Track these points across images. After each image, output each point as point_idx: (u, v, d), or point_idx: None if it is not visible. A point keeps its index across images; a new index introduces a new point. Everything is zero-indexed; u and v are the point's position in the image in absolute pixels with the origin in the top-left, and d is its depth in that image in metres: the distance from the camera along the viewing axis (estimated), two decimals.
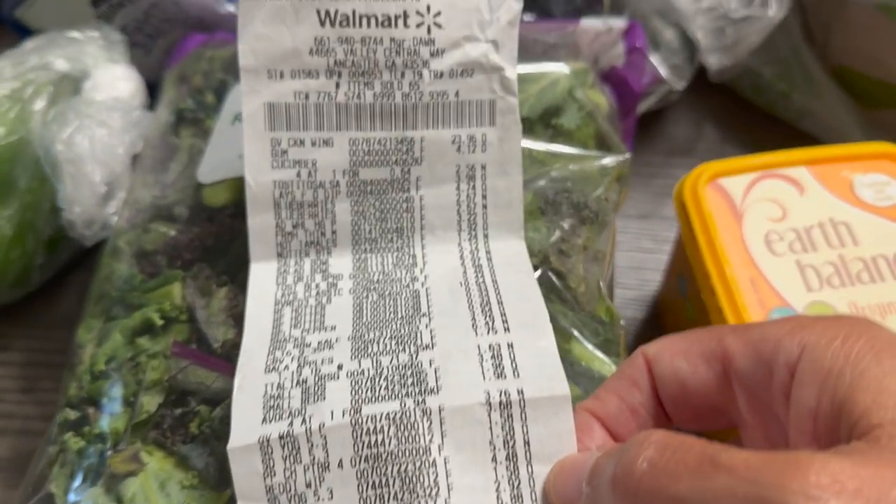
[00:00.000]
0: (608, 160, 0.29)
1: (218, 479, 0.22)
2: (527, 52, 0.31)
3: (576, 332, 0.25)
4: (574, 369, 0.24)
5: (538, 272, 0.25)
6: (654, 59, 0.38)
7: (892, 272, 0.29)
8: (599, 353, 0.25)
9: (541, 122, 0.30)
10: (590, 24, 0.32)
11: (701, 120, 0.43)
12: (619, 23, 0.33)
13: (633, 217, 0.40)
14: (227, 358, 0.23)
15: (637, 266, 0.39)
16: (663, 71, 0.37)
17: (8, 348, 0.36)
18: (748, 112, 0.43)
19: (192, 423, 0.23)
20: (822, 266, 0.29)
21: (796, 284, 0.29)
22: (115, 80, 0.33)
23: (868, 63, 0.39)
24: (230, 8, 0.37)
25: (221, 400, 0.23)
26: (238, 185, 0.27)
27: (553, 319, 0.23)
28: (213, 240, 0.26)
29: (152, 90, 0.36)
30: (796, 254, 0.29)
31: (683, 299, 0.33)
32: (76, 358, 0.26)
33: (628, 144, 0.36)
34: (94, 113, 0.30)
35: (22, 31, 0.39)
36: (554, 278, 0.25)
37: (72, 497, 0.22)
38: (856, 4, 0.37)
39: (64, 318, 0.37)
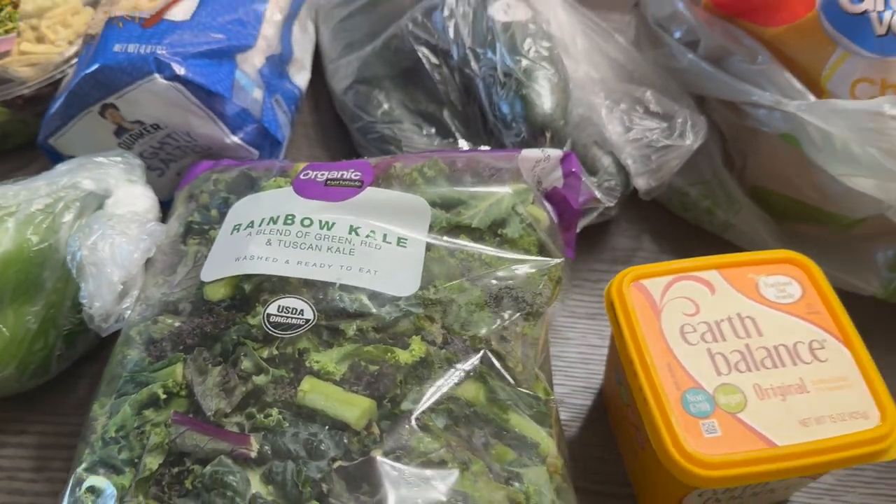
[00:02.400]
0: (545, 264, 0.34)
1: None
2: (478, 175, 0.37)
3: (513, 405, 0.29)
4: (510, 435, 0.28)
5: (480, 353, 0.29)
6: (595, 181, 0.44)
7: (791, 359, 0.33)
8: (534, 424, 0.29)
9: (489, 231, 0.35)
10: (530, 153, 0.37)
11: (640, 233, 0.48)
12: (555, 152, 0.38)
13: (582, 317, 0.45)
14: (218, 424, 0.27)
15: (585, 360, 0.43)
16: (597, 191, 0.42)
17: (24, 432, 0.40)
18: (680, 225, 0.48)
19: (186, 479, 0.26)
20: (731, 354, 0.33)
21: (707, 369, 0.33)
22: (133, 198, 0.38)
23: (779, 183, 0.45)
24: (235, 139, 0.42)
25: (212, 459, 0.26)
26: (234, 282, 0.31)
27: (493, 392, 0.27)
28: (210, 327, 0.30)
29: (165, 207, 0.41)
30: (707, 343, 0.34)
31: (619, 386, 0.37)
32: (89, 430, 0.30)
33: (570, 252, 0.41)
34: (114, 224, 0.35)
35: (55, 157, 0.44)
36: (494, 359, 0.29)
37: None
38: (765, 135, 0.43)
39: (77, 405, 0.40)
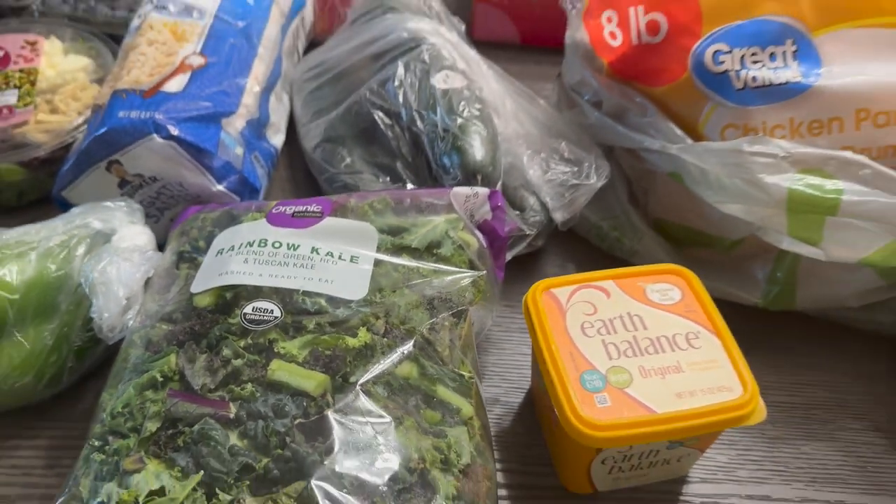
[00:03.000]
0: (469, 276, 0.42)
1: (193, 470, 0.32)
2: (418, 208, 0.45)
3: (440, 379, 0.36)
4: (437, 402, 0.35)
5: (414, 339, 0.37)
6: (523, 217, 0.52)
7: (670, 347, 0.41)
8: (457, 395, 0.36)
9: (427, 251, 0.42)
10: (460, 190, 0.45)
11: (565, 261, 0.56)
12: (483, 190, 0.46)
13: (514, 331, 0.52)
14: (203, 396, 0.34)
15: (517, 366, 0.50)
16: (523, 224, 0.50)
17: (37, 436, 0.46)
18: (597, 253, 0.56)
19: (179, 438, 0.33)
20: (621, 343, 0.41)
21: (601, 355, 0.40)
22: (134, 235, 0.46)
23: (673, 214, 0.53)
24: (220, 188, 0.50)
25: (199, 421, 0.33)
26: (217, 292, 0.39)
27: (423, 369, 0.35)
28: (198, 327, 0.37)
29: (160, 248, 0.48)
30: (602, 335, 0.41)
31: (538, 378, 0.44)
32: (99, 411, 0.37)
33: (500, 273, 0.48)
34: (120, 253, 0.42)
35: (66, 208, 0.52)
36: (425, 344, 0.37)
37: (92, 487, 0.32)
38: (659, 175, 0.52)
39: (84, 413, 0.47)
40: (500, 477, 0.44)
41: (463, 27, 0.64)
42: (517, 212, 0.52)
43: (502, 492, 0.44)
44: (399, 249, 0.42)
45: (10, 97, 0.57)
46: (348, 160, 0.56)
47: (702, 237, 0.52)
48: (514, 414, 0.48)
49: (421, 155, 0.54)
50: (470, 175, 0.50)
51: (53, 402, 0.47)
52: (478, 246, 0.45)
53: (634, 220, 0.54)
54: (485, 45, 0.71)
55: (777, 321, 0.52)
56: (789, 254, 0.48)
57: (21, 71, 0.59)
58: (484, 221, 0.47)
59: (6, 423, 0.46)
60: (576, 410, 0.38)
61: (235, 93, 0.54)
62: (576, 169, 0.52)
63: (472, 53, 0.59)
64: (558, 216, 0.51)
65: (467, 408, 0.36)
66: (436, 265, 0.42)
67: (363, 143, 0.57)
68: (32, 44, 0.62)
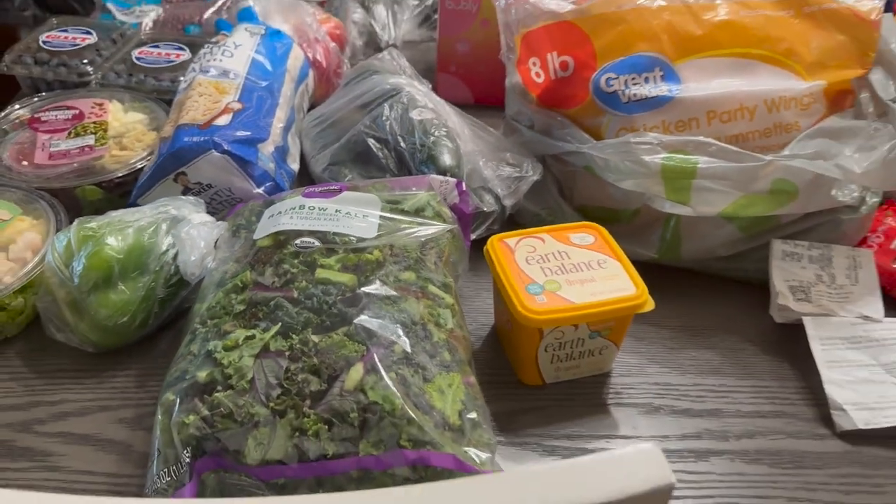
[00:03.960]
0: (444, 228, 0.59)
1: (273, 327, 0.48)
2: (407, 187, 0.62)
3: (430, 281, 0.53)
4: (429, 293, 0.52)
5: (412, 257, 0.54)
6: (484, 207, 0.70)
7: (587, 268, 0.58)
8: (441, 290, 0.53)
9: (415, 212, 0.59)
10: (435, 177, 0.63)
11: None
12: (452, 179, 0.64)
13: (482, 290, 0.69)
14: (274, 288, 0.50)
15: (484, 312, 0.66)
16: (484, 207, 0.68)
17: (129, 368, 0.60)
18: None
19: (260, 312, 0.49)
20: (553, 267, 0.58)
21: (539, 275, 0.57)
22: (201, 217, 0.62)
23: (590, 199, 0.71)
24: (259, 190, 0.67)
25: (272, 300, 0.49)
26: (274, 236, 0.55)
27: (418, 273, 0.52)
28: (263, 256, 0.54)
29: None
30: (540, 264, 0.58)
31: (499, 306, 0.61)
32: (193, 316, 0.52)
33: (468, 244, 0.66)
34: (195, 223, 0.59)
35: None
36: (419, 261, 0.54)
37: (201, 346, 0.47)
38: (578, 171, 0.70)
39: (162, 353, 0.61)
40: (487, 379, 0.60)
41: (430, 86, 0.83)
42: (481, 205, 0.70)
43: (490, 388, 0.59)
44: (395, 211, 0.59)
45: (89, 139, 0.75)
46: (350, 176, 0.74)
47: (611, 213, 0.70)
48: (482, 342, 0.64)
49: (405, 168, 0.72)
50: (442, 175, 0.68)
51: (139, 346, 0.62)
52: (450, 216, 0.62)
53: (564, 208, 0.72)
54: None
55: (672, 274, 0.70)
56: (673, 217, 0.67)
57: (94, 123, 0.77)
58: (453, 204, 0.65)
59: (107, 360, 0.61)
60: (524, 304, 0.55)
61: (266, 127, 0.72)
62: (518, 168, 0.70)
63: (437, 98, 0.78)
64: (508, 202, 0.69)
65: (449, 298, 0.53)
66: (422, 220, 0.59)
67: (360, 164, 0.75)
68: (100, 105, 0.80)
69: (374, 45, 1.04)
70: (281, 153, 0.73)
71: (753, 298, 0.68)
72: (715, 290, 0.69)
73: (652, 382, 0.61)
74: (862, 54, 0.67)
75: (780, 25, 0.67)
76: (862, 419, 0.56)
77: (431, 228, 0.58)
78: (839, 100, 0.67)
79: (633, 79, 0.66)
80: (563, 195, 0.73)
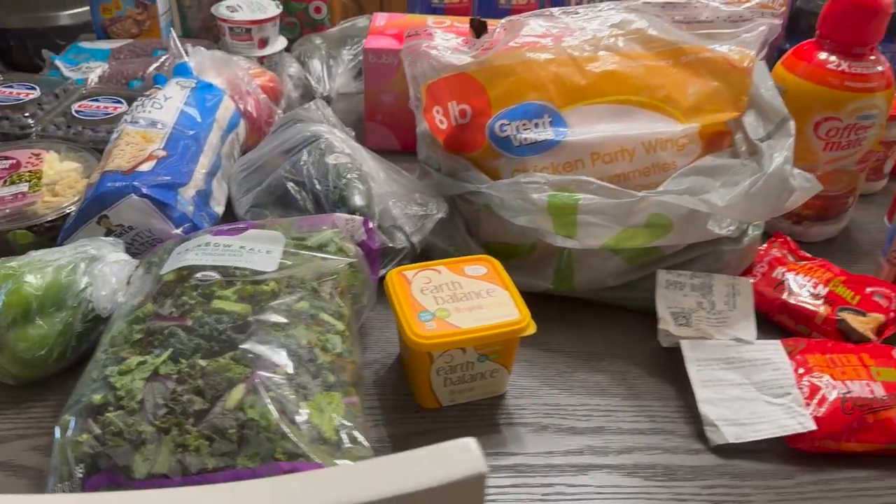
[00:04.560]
0: (345, 261, 0.63)
1: (165, 352, 0.51)
2: (314, 225, 0.66)
3: (323, 309, 0.56)
4: (320, 320, 0.55)
5: (308, 288, 0.57)
6: (394, 245, 0.74)
7: (476, 297, 0.62)
8: (333, 318, 0.57)
9: (318, 248, 0.63)
10: (340, 216, 0.67)
11: None
12: (359, 218, 0.68)
13: (391, 322, 0.72)
14: (170, 317, 0.54)
15: (392, 343, 0.70)
16: (395, 244, 0.72)
17: (46, 399, 0.63)
18: None
19: (155, 340, 0.52)
20: (445, 297, 0.62)
21: (432, 303, 0.61)
22: (117, 256, 0.66)
23: (493, 236, 0.76)
24: (177, 231, 0.71)
25: (168, 328, 0.52)
26: (178, 271, 0.59)
27: (311, 304, 0.55)
28: (166, 290, 0.57)
29: None
30: (434, 293, 0.62)
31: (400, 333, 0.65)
32: (99, 344, 0.55)
33: (375, 277, 0.69)
34: (110, 262, 0.62)
35: None
36: (314, 292, 0.57)
37: (100, 372, 0.51)
38: (482, 209, 0.75)
39: None
40: (377, 403, 0.63)
41: (353, 133, 0.88)
42: (390, 242, 0.74)
43: (380, 412, 0.62)
44: (299, 247, 0.63)
45: (23, 187, 0.78)
46: (270, 218, 0.78)
47: (512, 248, 0.75)
48: (388, 368, 0.67)
49: (321, 209, 0.76)
50: (352, 214, 0.72)
51: (58, 377, 0.64)
52: (355, 251, 0.66)
53: (471, 245, 0.76)
54: (376, 150, 0.96)
55: (569, 304, 0.74)
56: (566, 250, 0.71)
57: (29, 172, 0.81)
58: (362, 241, 0.69)
59: (26, 392, 0.63)
60: (414, 330, 0.58)
61: (188, 172, 0.76)
62: (424, 207, 0.75)
63: (355, 145, 0.82)
64: (415, 239, 0.73)
65: (340, 325, 0.56)
66: (324, 254, 0.63)
67: (281, 206, 0.79)
68: (37, 155, 0.84)
69: (309, 96, 1.09)
70: (203, 197, 0.77)
71: (643, 325, 0.72)
72: (607, 317, 0.74)
73: (542, 403, 0.65)
74: (736, 99, 0.73)
75: (659, 74, 0.73)
76: (732, 434, 0.60)
77: (331, 262, 0.62)
78: (716, 140, 0.72)
79: (524, 125, 0.72)
80: (470, 233, 0.78)
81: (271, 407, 0.47)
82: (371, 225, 0.69)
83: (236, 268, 0.59)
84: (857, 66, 0.76)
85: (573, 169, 0.71)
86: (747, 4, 0.79)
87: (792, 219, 0.84)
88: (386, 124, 1.00)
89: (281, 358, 0.50)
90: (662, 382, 0.67)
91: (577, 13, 0.77)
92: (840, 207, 0.84)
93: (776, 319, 0.73)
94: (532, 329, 0.60)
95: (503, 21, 0.77)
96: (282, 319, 0.54)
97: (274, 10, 1.15)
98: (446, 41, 0.76)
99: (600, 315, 0.74)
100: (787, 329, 0.72)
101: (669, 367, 0.68)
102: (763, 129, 0.71)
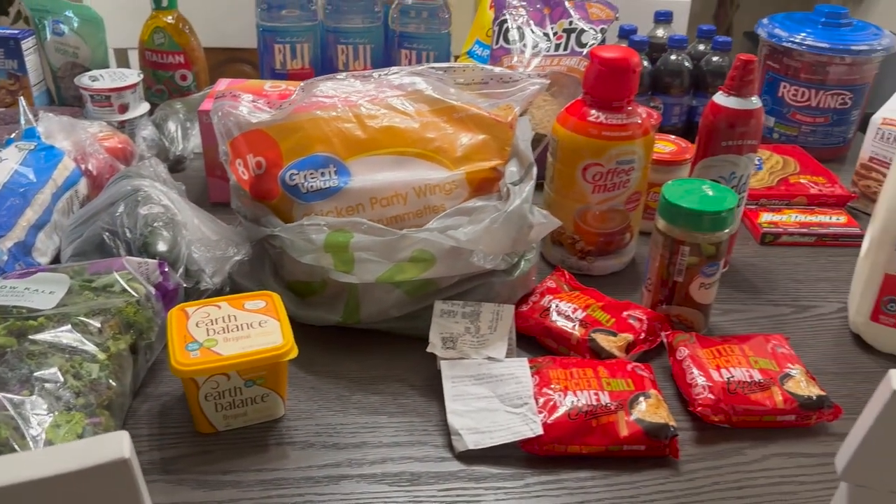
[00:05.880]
0: (127, 299, 0.68)
1: None
2: (107, 268, 0.71)
3: (87, 342, 0.61)
4: (82, 350, 0.60)
5: (73, 321, 0.62)
6: (199, 286, 0.79)
7: (248, 327, 0.67)
8: (98, 350, 0.61)
9: (102, 288, 0.68)
10: (132, 259, 0.73)
11: None
12: (153, 261, 0.74)
13: None
14: None
15: None
16: (201, 285, 0.78)
17: None
18: None
19: None
20: (218, 328, 0.67)
21: (203, 334, 0.66)
22: None
23: (294, 275, 0.82)
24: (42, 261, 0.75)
25: None
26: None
27: (79, 336, 0.60)
28: None
29: None
30: (207, 326, 0.67)
31: None
32: None
33: (164, 311, 0.74)
34: None
35: None
36: (83, 325, 0.62)
37: None
38: (284, 252, 0.81)
39: None
40: (157, 431, 0.68)
41: (183, 187, 0.94)
42: (196, 282, 0.80)
43: (157, 438, 0.66)
44: (85, 288, 0.68)
45: None
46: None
47: (308, 286, 0.81)
48: (176, 399, 0.72)
49: (131, 255, 0.81)
50: (154, 259, 0.78)
51: None
52: (145, 291, 0.72)
53: (273, 285, 0.82)
54: (219, 203, 1.03)
55: (360, 334, 0.80)
56: (354, 286, 0.77)
57: None
58: (158, 282, 0.74)
59: None
60: (177, 358, 0.63)
61: (6, 225, 0.80)
62: (223, 250, 0.80)
63: (176, 197, 0.88)
64: (216, 280, 0.79)
65: (101, 356, 0.61)
66: (108, 294, 0.68)
67: (99, 254, 0.83)
68: None
69: (163, 156, 1.15)
70: (22, 248, 0.82)
71: (423, 351, 0.78)
72: (393, 345, 0.80)
73: (316, 424, 0.70)
74: (500, 149, 0.82)
75: (433, 129, 0.81)
76: (472, 441, 0.66)
77: (113, 301, 0.67)
78: (484, 185, 0.80)
79: (311, 174, 0.79)
80: (275, 273, 0.84)
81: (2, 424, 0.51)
82: (166, 268, 0.75)
83: (14, 306, 0.63)
84: (614, 118, 0.85)
85: (355, 212, 0.78)
86: (519, 71, 0.88)
87: (577, 255, 0.92)
88: (225, 179, 1.06)
89: (25, 382, 0.55)
90: (429, 401, 0.73)
91: (366, 76, 0.86)
92: (618, 244, 0.93)
93: (544, 342, 0.80)
94: (293, 354, 0.66)
95: (302, 84, 0.85)
96: (38, 349, 0.58)
97: (134, 78, 1.22)
98: (249, 102, 0.84)
99: (386, 343, 0.80)
100: (551, 350, 0.79)
101: (439, 388, 0.74)
102: (518, 175, 0.79)
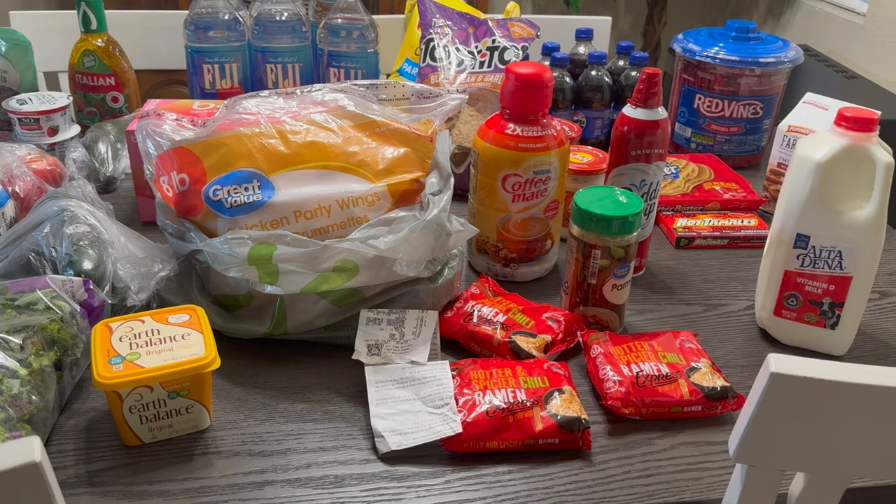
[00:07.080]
0: (50, 317, 0.68)
1: None
2: (30, 286, 0.72)
3: (9, 358, 0.61)
4: (5, 368, 0.61)
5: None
6: (125, 302, 0.80)
7: (171, 340, 0.68)
8: (19, 364, 0.62)
9: (24, 306, 0.69)
10: (55, 277, 0.73)
11: None
12: (78, 279, 0.74)
13: None
14: None
15: None
16: (128, 301, 0.78)
17: None
18: None
19: None
20: (141, 342, 0.68)
21: (126, 348, 0.67)
22: None
23: (220, 289, 0.83)
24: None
25: None
26: None
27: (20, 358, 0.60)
28: None
29: None
30: (131, 340, 0.68)
31: None
32: None
33: (94, 322, 0.75)
34: None
35: None
36: (5, 342, 0.62)
37: None
38: (210, 267, 0.82)
39: None
40: (83, 445, 0.68)
41: (111, 207, 0.94)
42: (122, 299, 0.80)
43: (84, 452, 0.67)
44: (7, 306, 0.68)
45: None
46: None
47: (235, 299, 0.82)
48: (103, 415, 0.72)
49: (56, 274, 0.81)
50: (80, 277, 0.78)
51: None
52: (70, 308, 0.72)
53: (200, 300, 0.83)
54: (149, 222, 1.03)
55: (289, 345, 0.81)
56: (279, 297, 0.79)
57: None
58: (84, 300, 0.75)
59: None
60: (99, 372, 0.64)
61: None
62: (149, 266, 0.81)
63: (102, 216, 0.89)
64: (142, 296, 0.80)
65: (23, 371, 0.62)
66: (30, 311, 0.68)
67: (25, 274, 0.83)
68: None
69: (94, 177, 1.15)
70: None
71: (350, 359, 0.80)
72: (322, 355, 0.81)
73: (241, 433, 0.71)
74: (421, 161, 0.85)
75: (355, 143, 0.84)
76: (395, 442, 0.68)
77: (36, 318, 0.67)
78: (407, 197, 0.83)
79: (235, 189, 0.80)
80: (202, 288, 0.85)
81: None
82: (91, 286, 0.75)
83: None
84: (530, 130, 0.89)
85: (279, 225, 0.79)
86: (441, 88, 0.92)
87: (501, 262, 0.96)
88: (153, 198, 1.07)
89: None
90: (355, 406, 0.74)
91: (290, 94, 0.88)
92: (540, 250, 0.96)
93: (469, 346, 0.83)
94: (216, 365, 0.67)
95: (225, 102, 0.87)
96: None
97: (64, 101, 1.21)
98: (173, 120, 0.85)
99: (314, 353, 0.82)
100: (475, 353, 0.82)
101: (365, 394, 0.75)
102: (438, 186, 0.82)
